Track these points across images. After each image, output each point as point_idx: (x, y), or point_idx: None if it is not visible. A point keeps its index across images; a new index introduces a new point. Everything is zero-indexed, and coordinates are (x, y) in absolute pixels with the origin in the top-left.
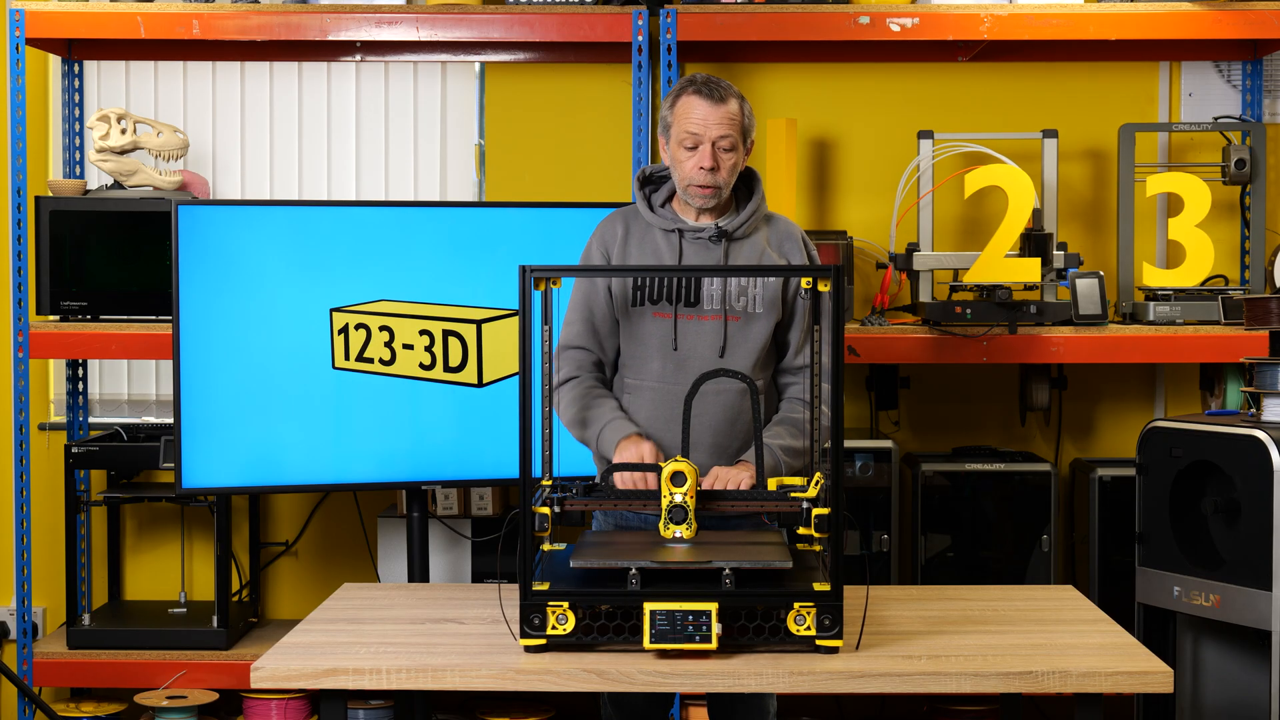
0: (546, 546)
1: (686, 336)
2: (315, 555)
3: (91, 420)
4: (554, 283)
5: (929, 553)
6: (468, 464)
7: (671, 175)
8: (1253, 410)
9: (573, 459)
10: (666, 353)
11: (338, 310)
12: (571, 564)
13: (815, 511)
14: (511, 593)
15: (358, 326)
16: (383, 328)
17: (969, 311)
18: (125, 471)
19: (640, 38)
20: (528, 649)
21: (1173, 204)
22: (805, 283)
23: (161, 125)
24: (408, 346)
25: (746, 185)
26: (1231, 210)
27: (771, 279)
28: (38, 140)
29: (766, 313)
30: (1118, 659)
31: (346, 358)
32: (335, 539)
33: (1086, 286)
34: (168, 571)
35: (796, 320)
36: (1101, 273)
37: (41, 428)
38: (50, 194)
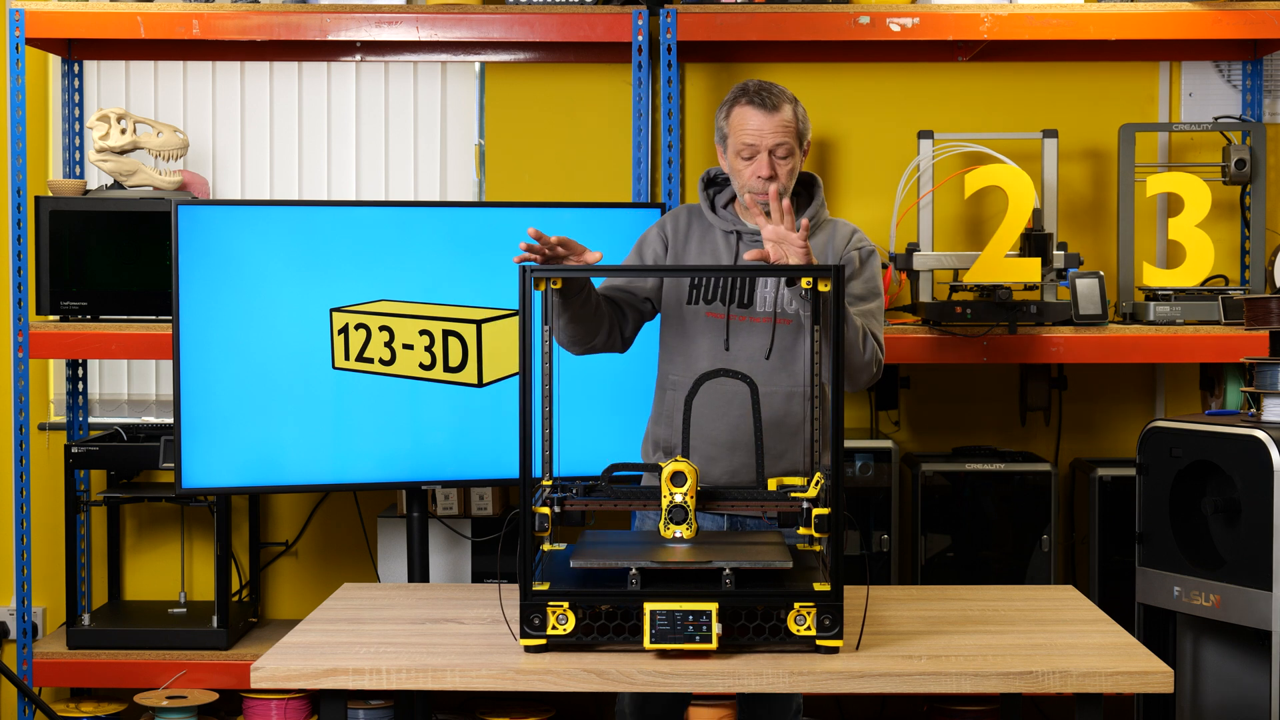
0: (546, 546)
1: (738, 337)
2: (315, 555)
3: (91, 420)
4: (554, 283)
5: (929, 553)
6: (468, 464)
7: (732, 181)
8: (1253, 410)
9: (573, 459)
10: (718, 352)
11: (338, 310)
12: (571, 564)
13: (815, 511)
14: (511, 593)
15: (358, 326)
16: (383, 328)
17: (969, 311)
18: (125, 471)
19: (640, 38)
20: (528, 649)
21: (1173, 204)
22: (812, 283)
23: (161, 125)
24: (408, 346)
25: (807, 190)
26: (1231, 210)
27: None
28: (38, 140)
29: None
30: (1118, 659)
31: (346, 358)
32: (335, 539)
33: (1086, 286)
34: (168, 571)
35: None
36: (1101, 273)
37: (41, 428)
38: (50, 194)
